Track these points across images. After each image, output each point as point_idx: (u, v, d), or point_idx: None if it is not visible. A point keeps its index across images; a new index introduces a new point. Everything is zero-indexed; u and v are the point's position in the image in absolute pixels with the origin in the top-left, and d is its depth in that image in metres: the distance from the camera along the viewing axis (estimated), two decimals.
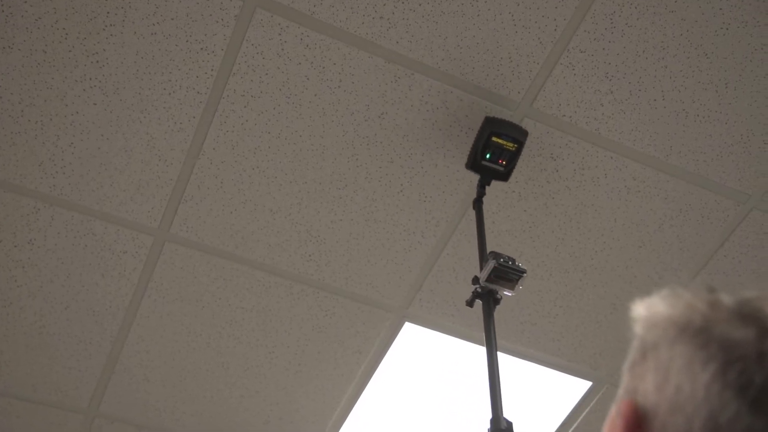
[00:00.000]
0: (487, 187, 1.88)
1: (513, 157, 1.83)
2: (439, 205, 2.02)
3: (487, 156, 1.82)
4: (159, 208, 2.00)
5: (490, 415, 1.46)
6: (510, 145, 1.81)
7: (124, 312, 2.20)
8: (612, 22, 1.71)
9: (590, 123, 1.87)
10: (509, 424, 1.44)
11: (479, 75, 1.79)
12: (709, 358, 0.56)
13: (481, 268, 1.67)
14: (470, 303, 1.70)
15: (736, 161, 1.93)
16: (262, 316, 2.23)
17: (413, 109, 1.85)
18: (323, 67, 1.77)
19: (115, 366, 2.32)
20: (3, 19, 1.68)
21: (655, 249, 2.10)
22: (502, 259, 1.64)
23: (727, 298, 0.60)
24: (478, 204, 1.87)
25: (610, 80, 1.80)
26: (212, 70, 1.77)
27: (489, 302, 1.66)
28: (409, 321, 2.25)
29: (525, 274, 1.65)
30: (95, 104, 1.82)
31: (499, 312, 2.24)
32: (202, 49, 1.74)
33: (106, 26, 1.70)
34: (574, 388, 2.43)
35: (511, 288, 1.66)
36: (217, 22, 1.70)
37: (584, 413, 2.50)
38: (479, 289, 1.68)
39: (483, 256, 1.72)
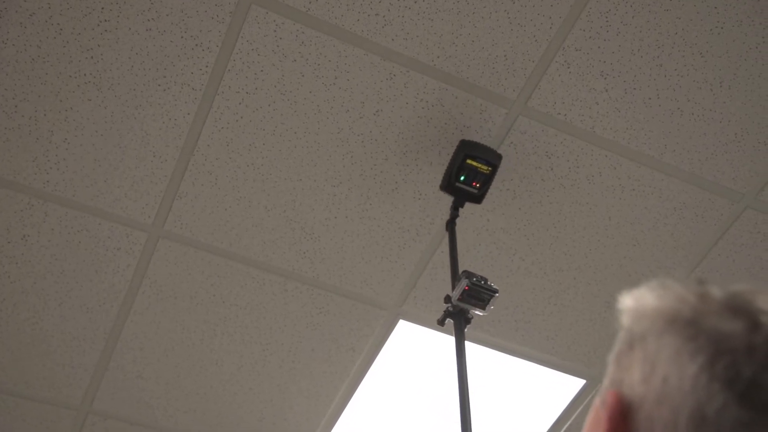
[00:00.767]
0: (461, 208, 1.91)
1: (487, 180, 1.85)
2: (433, 202, 2.02)
3: (461, 178, 1.84)
4: (153, 204, 1.99)
5: None
6: (484, 168, 1.83)
7: (118, 308, 2.19)
8: (607, 21, 1.71)
9: (585, 121, 1.87)
10: None
11: (474, 73, 1.79)
12: (697, 350, 0.56)
13: (453, 288, 1.69)
14: (441, 322, 1.71)
15: (731, 160, 1.94)
16: (256, 314, 2.23)
17: (408, 107, 1.85)
18: (318, 64, 1.77)
19: (108, 363, 2.31)
20: None
21: (649, 247, 2.11)
22: (474, 279, 1.65)
23: (716, 291, 0.60)
24: (451, 225, 1.89)
25: (605, 78, 1.80)
26: (207, 66, 1.77)
27: (460, 321, 1.67)
28: (403, 319, 2.26)
29: (497, 294, 1.67)
30: (90, 100, 1.81)
31: (493, 310, 2.24)
32: (197, 45, 1.74)
33: (100, 22, 1.70)
34: (568, 386, 2.44)
35: (483, 308, 1.67)
36: (213, 18, 1.70)
37: (578, 411, 2.51)
38: (451, 308, 1.69)
39: (455, 275, 1.73)
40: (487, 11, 1.70)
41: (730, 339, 0.55)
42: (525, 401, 2.48)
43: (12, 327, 2.22)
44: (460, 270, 1.73)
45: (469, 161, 1.82)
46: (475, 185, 1.85)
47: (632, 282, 2.18)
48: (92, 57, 1.74)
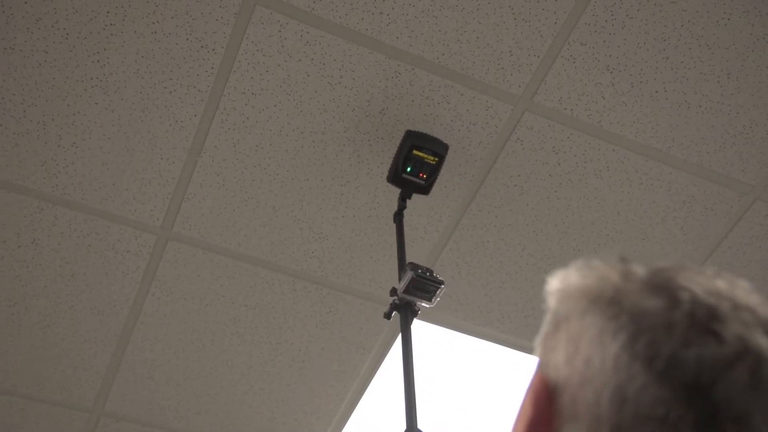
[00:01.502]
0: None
1: (434, 171, 1.83)
2: (441, 199, 2.01)
3: (408, 169, 1.82)
4: (161, 206, 2.00)
5: (404, 428, 1.47)
6: (431, 159, 1.82)
7: (128, 311, 2.20)
8: (612, 14, 1.71)
9: (592, 116, 1.86)
10: None
11: (480, 69, 1.79)
12: (618, 329, 0.55)
13: (400, 280, 1.67)
14: (388, 315, 1.70)
15: (739, 152, 1.93)
16: (265, 314, 2.23)
17: (414, 105, 1.84)
18: (323, 64, 1.77)
19: (119, 364, 2.32)
20: (3, 19, 1.68)
21: (658, 241, 2.10)
22: (420, 271, 1.64)
23: (639, 269, 0.59)
24: (398, 217, 1.88)
25: (612, 72, 1.79)
26: (213, 68, 1.77)
27: (407, 314, 1.65)
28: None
29: (443, 286, 1.65)
30: (97, 104, 1.82)
31: (503, 306, 2.24)
32: (202, 47, 1.74)
33: (106, 26, 1.70)
34: None
35: (429, 299, 1.66)
36: (217, 20, 1.70)
37: None
38: (397, 301, 1.67)
39: (402, 267, 1.72)
40: (491, 7, 1.70)
41: (650, 317, 0.54)
42: None
43: (24, 330, 2.24)
44: (407, 262, 1.71)
45: (415, 152, 1.80)
46: (422, 176, 1.83)
47: None
48: (98, 61, 1.75)
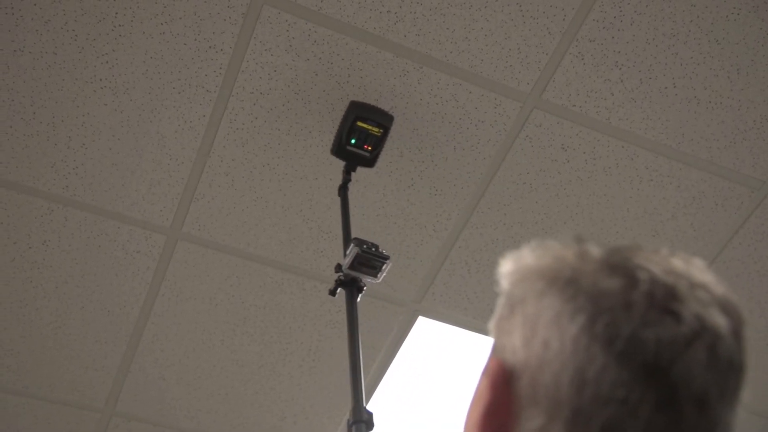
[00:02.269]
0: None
1: (378, 143, 1.78)
2: (450, 198, 2.01)
3: (352, 141, 1.78)
4: (171, 207, 2.01)
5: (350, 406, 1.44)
6: (375, 130, 1.76)
7: (139, 311, 2.21)
8: (621, 11, 1.70)
9: (601, 112, 1.86)
10: (370, 415, 1.42)
11: (488, 67, 1.78)
12: (576, 310, 0.54)
13: (345, 255, 1.63)
14: (333, 292, 1.65)
15: (750, 147, 1.92)
16: (275, 313, 2.24)
17: (422, 104, 1.84)
18: (331, 63, 1.77)
19: (130, 365, 2.33)
20: (13, 22, 1.69)
21: (668, 238, 2.09)
22: (365, 246, 1.60)
23: (595, 249, 0.58)
24: (343, 191, 1.82)
25: (620, 69, 1.79)
26: (221, 68, 1.77)
27: (352, 290, 1.61)
28: (422, 315, 2.25)
29: (389, 261, 1.60)
30: (106, 105, 1.83)
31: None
32: (210, 47, 1.74)
33: (114, 27, 1.71)
34: None
35: (375, 275, 1.61)
36: (225, 20, 1.71)
37: None
38: (342, 277, 1.63)
39: (347, 243, 1.67)
40: (499, 5, 1.69)
41: (608, 297, 0.53)
42: None
43: (35, 331, 2.25)
44: (352, 237, 1.67)
45: (359, 123, 1.75)
46: (367, 148, 1.78)
47: None
48: (107, 62, 1.76)
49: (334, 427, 2.51)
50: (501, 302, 0.60)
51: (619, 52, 1.76)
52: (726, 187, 1.99)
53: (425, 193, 2.00)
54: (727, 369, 0.54)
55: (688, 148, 1.92)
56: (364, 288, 1.64)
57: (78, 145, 1.89)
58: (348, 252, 1.62)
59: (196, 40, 1.73)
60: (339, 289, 1.64)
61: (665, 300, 0.53)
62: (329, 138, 1.90)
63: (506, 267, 0.60)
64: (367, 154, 1.79)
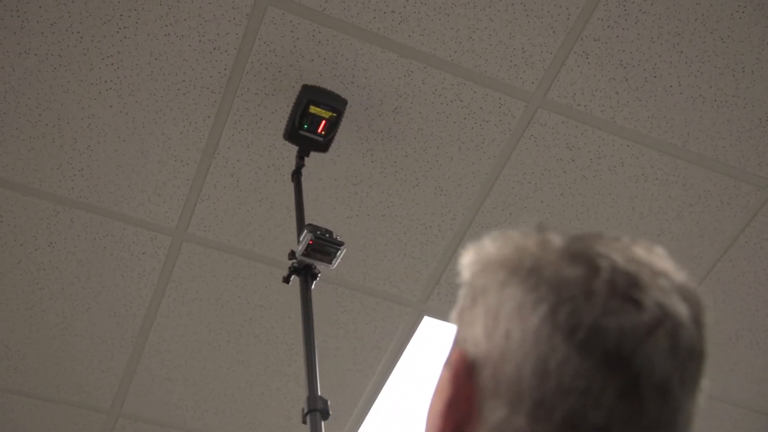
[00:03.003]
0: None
1: (332, 127, 1.75)
2: (455, 198, 2.01)
3: (305, 126, 1.75)
4: (176, 208, 2.01)
5: (306, 394, 1.40)
6: (329, 114, 1.74)
7: (145, 312, 2.22)
8: (625, 9, 1.70)
9: (606, 111, 1.85)
10: (325, 403, 1.39)
11: (492, 66, 1.78)
12: (539, 300, 0.53)
13: (298, 242, 1.60)
14: (287, 279, 1.62)
15: (756, 145, 1.91)
16: (280, 314, 2.24)
17: (427, 103, 1.84)
18: (336, 63, 1.77)
19: (136, 366, 2.34)
20: (18, 24, 1.70)
21: (674, 237, 2.08)
22: (318, 232, 1.57)
23: (557, 238, 0.57)
24: (296, 176, 1.80)
25: (625, 68, 1.78)
26: (225, 69, 1.78)
27: (306, 277, 1.59)
28: (427, 315, 2.25)
29: (343, 247, 1.58)
30: (111, 106, 1.83)
31: None
32: (215, 48, 1.75)
33: (119, 29, 1.71)
34: None
35: (329, 261, 1.59)
36: (230, 21, 1.71)
37: None
38: (296, 264, 1.60)
39: (300, 230, 1.64)
40: (503, 4, 1.69)
41: (570, 286, 0.53)
42: None
43: (42, 332, 2.25)
44: (306, 223, 1.64)
45: (312, 108, 1.73)
46: (321, 132, 1.76)
47: None
48: (112, 64, 1.76)
49: (340, 428, 2.52)
50: (463, 293, 0.59)
51: (624, 50, 1.76)
52: (731, 185, 1.99)
53: (430, 192, 2.00)
54: (688, 357, 0.53)
55: (693, 147, 1.91)
56: (319, 274, 1.61)
57: (84, 147, 1.89)
58: (301, 239, 1.59)
59: (200, 41, 1.73)
60: (293, 277, 1.61)
61: (627, 288, 0.53)
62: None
63: (467, 257, 0.60)
64: (320, 139, 1.77)
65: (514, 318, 0.54)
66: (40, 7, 1.67)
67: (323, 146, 1.79)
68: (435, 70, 1.79)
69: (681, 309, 0.53)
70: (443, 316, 2.26)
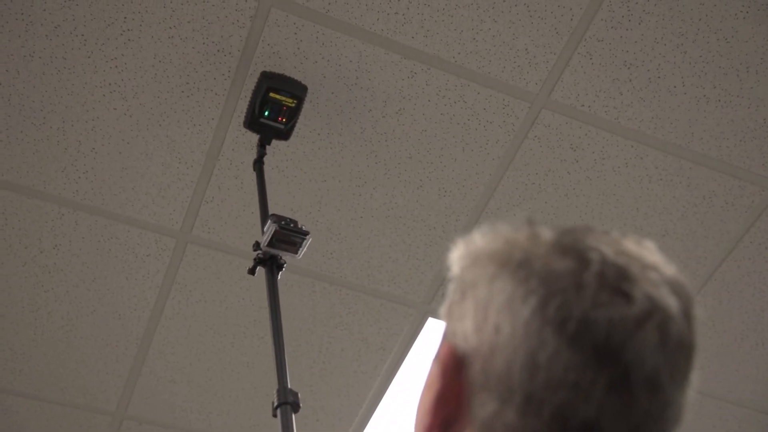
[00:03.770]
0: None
1: (293, 114, 1.73)
2: (459, 199, 2.01)
3: (266, 113, 1.73)
4: (180, 210, 2.01)
5: (275, 387, 1.38)
6: (289, 101, 1.72)
7: (149, 314, 2.22)
8: (629, 10, 1.70)
9: (609, 112, 1.85)
10: (295, 396, 1.39)
11: (496, 68, 1.78)
12: (528, 293, 0.53)
13: (263, 233, 1.58)
14: (252, 271, 1.60)
15: (760, 146, 1.91)
16: (285, 315, 2.23)
17: (430, 104, 1.84)
18: (339, 65, 1.77)
19: (141, 368, 2.34)
20: (23, 27, 1.70)
21: (679, 237, 2.08)
22: (283, 222, 1.55)
23: (546, 232, 0.57)
24: (258, 165, 1.77)
25: (629, 68, 1.78)
26: (229, 71, 1.78)
27: (272, 268, 1.57)
28: (432, 316, 2.25)
29: (309, 237, 1.56)
30: (115, 109, 1.83)
31: None
32: (218, 51, 1.75)
33: (123, 31, 1.72)
34: None
35: (295, 251, 1.57)
36: (233, 23, 1.71)
37: None
38: (261, 255, 1.58)
39: (264, 220, 1.62)
40: (506, 5, 1.69)
41: (560, 279, 0.53)
42: None
43: (47, 335, 2.26)
44: (270, 213, 1.62)
45: (272, 95, 1.71)
46: (282, 120, 1.74)
47: None
48: (116, 66, 1.77)
49: (345, 429, 2.52)
50: (452, 287, 0.59)
51: (628, 51, 1.75)
52: (736, 185, 1.98)
53: (434, 194, 2.00)
54: (677, 350, 0.53)
55: (697, 147, 1.91)
56: (285, 265, 1.59)
57: (88, 150, 1.90)
58: (266, 229, 1.57)
59: (204, 43, 1.74)
60: (258, 268, 1.59)
61: (617, 281, 0.53)
62: (336, 140, 1.90)
63: (457, 252, 0.59)
64: (281, 127, 1.75)
65: (503, 311, 0.53)
66: (44, 10, 1.68)
67: (285, 134, 1.77)
68: (438, 72, 1.79)
69: (671, 302, 0.53)
70: None
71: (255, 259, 1.59)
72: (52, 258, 2.09)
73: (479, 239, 0.58)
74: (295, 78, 1.75)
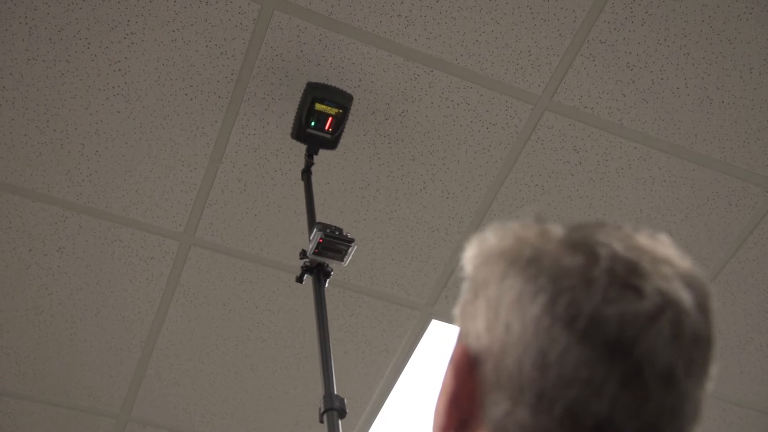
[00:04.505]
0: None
1: (339, 124, 1.75)
2: (462, 201, 2.01)
3: (312, 124, 1.74)
4: (184, 213, 2.01)
5: (322, 393, 1.39)
6: (335, 111, 1.73)
7: (153, 317, 2.22)
8: (632, 11, 1.70)
9: (613, 114, 1.85)
10: (342, 402, 1.38)
11: (499, 69, 1.78)
12: (538, 290, 0.52)
13: (309, 241, 1.59)
14: (300, 279, 1.61)
15: (764, 147, 1.90)
16: (288, 318, 2.24)
17: (433, 107, 1.84)
18: (342, 68, 1.78)
19: (145, 370, 2.34)
20: (27, 31, 1.71)
21: (682, 239, 2.08)
22: (328, 230, 1.57)
23: (557, 228, 0.56)
24: (306, 175, 1.79)
25: (632, 70, 1.78)
26: (232, 74, 1.78)
27: (319, 276, 1.58)
28: (435, 318, 2.25)
29: (354, 244, 1.57)
30: (119, 112, 1.84)
31: None
32: (222, 53, 1.75)
33: (127, 34, 1.72)
34: None
35: (341, 259, 1.58)
36: (236, 26, 1.71)
37: None
38: (308, 263, 1.59)
39: (311, 228, 1.64)
40: (509, 7, 1.69)
41: (569, 275, 0.52)
42: None
43: (51, 338, 2.26)
44: (316, 221, 1.64)
45: (318, 106, 1.72)
46: (328, 130, 1.75)
47: None
48: (120, 69, 1.77)
49: (349, 430, 2.51)
50: (465, 287, 0.59)
51: (631, 53, 1.75)
52: (740, 187, 1.98)
53: (437, 196, 2.00)
54: (692, 344, 0.52)
55: (701, 149, 1.91)
56: (332, 273, 1.61)
57: (91, 153, 1.90)
58: (312, 237, 1.58)
59: (207, 46, 1.74)
60: (306, 276, 1.61)
61: (626, 276, 0.52)
62: (342, 141, 1.90)
63: (470, 251, 0.59)
64: (328, 136, 1.76)
65: (513, 309, 0.53)
66: (48, 13, 1.68)
67: (331, 143, 1.79)
68: (441, 74, 1.79)
69: (684, 296, 0.52)
70: (451, 319, 2.26)
71: (302, 267, 1.61)
72: (56, 261, 2.09)
73: (491, 237, 0.58)
74: (341, 88, 1.76)
